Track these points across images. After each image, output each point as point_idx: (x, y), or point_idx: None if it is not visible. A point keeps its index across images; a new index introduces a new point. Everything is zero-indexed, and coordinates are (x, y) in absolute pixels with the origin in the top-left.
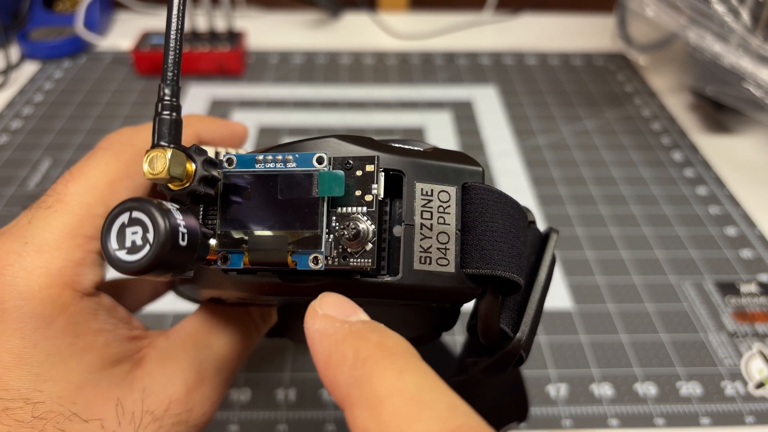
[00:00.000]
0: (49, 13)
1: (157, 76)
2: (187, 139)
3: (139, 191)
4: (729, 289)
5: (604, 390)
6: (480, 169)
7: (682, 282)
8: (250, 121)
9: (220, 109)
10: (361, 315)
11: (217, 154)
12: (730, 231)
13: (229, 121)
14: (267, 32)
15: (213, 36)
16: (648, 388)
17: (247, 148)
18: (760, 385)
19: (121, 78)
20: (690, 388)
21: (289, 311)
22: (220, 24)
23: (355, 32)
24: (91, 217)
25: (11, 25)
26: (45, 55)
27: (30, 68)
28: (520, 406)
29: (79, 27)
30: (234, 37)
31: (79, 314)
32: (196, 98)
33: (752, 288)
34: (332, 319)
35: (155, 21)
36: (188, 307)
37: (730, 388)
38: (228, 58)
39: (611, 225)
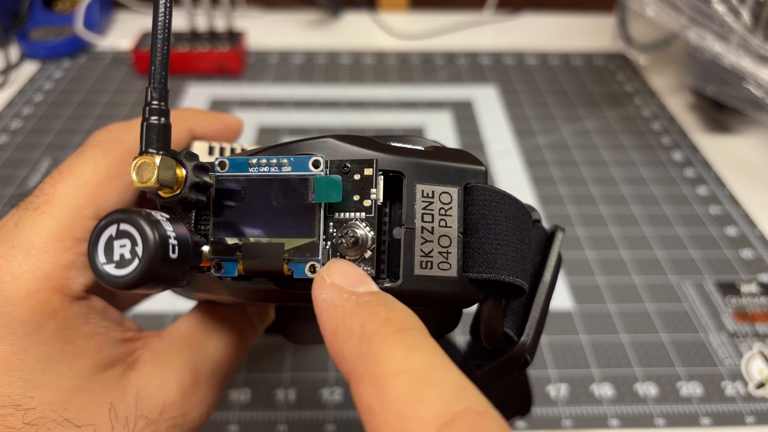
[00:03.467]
0: (48, 12)
1: None
2: (179, 134)
3: (130, 190)
4: (729, 289)
5: (605, 390)
6: (483, 168)
7: (683, 282)
8: (250, 121)
9: (220, 109)
10: (370, 285)
11: (211, 148)
12: (731, 231)
13: (223, 114)
14: (267, 32)
15: (213, 36)
16: (648, 389)
17: (246, 145)
18: (761, 385)
19: (121, 78)
20: (690, 389)
21: (287, 310)
22: (220, 24)
23: (355, 32)
24: (81, 219)
25: (11, 25)
26: (45, 55)
27: (30, 68)
28: (523, 400)
29: (79, 27)
30: (234, 36)
31: (69, 319)
32: (196, 98)
33: (752, 288)
34: (340, 289)
35: None
36: (188, 306)
37: (730, 388)
38: (228, 57)
39: (611, 225)
